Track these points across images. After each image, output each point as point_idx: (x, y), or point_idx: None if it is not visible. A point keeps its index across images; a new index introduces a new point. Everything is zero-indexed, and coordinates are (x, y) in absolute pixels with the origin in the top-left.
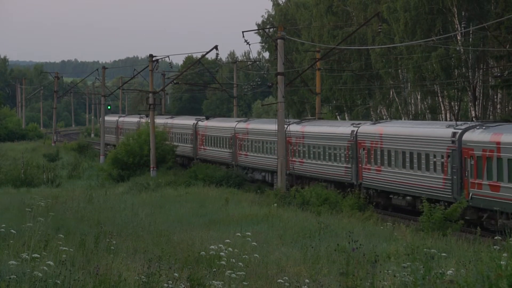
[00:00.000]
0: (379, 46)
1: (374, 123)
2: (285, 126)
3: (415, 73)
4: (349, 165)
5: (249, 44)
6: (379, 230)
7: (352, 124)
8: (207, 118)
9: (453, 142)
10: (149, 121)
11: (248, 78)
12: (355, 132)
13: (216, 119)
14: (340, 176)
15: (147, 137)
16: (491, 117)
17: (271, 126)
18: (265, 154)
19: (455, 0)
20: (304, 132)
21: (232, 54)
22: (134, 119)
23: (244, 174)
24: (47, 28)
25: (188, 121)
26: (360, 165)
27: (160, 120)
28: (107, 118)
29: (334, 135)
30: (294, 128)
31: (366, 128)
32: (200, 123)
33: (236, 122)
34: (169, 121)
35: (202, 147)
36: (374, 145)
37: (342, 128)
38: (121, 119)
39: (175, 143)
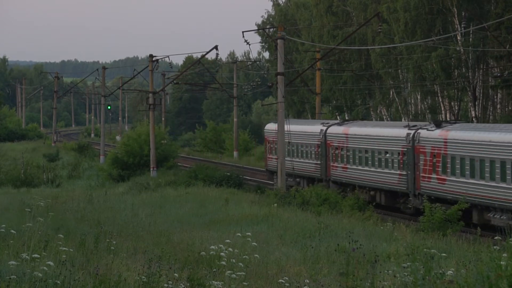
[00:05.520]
0: (379, 46)
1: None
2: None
3: (415, 73)
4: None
5: (249, 44)
6: (379, 230)
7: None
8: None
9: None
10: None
11: (248, 78)
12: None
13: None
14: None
15: (147, 137)
16: (491, 117)
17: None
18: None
19: (455, 0)
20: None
21: (232, 54)
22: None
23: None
24: (47, 28)
25: None
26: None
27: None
28: (270, 126)
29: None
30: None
31: (334, 128)
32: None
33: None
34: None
35: None
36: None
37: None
38: (334, 128)
39: None
